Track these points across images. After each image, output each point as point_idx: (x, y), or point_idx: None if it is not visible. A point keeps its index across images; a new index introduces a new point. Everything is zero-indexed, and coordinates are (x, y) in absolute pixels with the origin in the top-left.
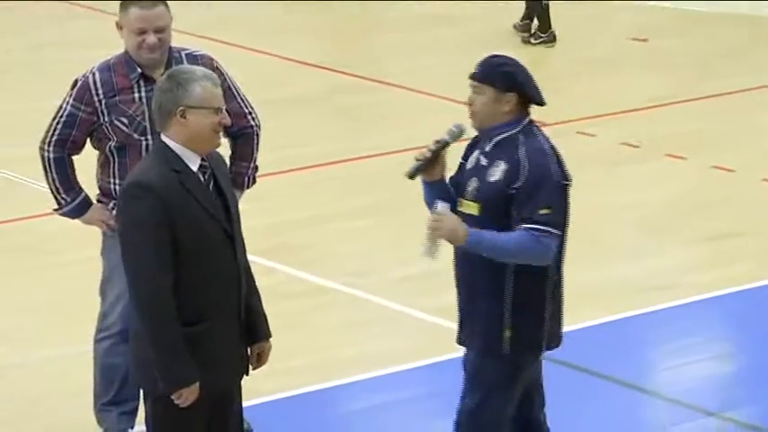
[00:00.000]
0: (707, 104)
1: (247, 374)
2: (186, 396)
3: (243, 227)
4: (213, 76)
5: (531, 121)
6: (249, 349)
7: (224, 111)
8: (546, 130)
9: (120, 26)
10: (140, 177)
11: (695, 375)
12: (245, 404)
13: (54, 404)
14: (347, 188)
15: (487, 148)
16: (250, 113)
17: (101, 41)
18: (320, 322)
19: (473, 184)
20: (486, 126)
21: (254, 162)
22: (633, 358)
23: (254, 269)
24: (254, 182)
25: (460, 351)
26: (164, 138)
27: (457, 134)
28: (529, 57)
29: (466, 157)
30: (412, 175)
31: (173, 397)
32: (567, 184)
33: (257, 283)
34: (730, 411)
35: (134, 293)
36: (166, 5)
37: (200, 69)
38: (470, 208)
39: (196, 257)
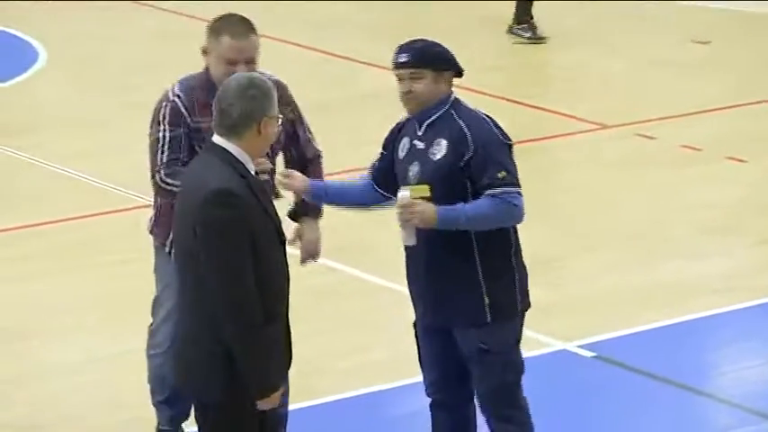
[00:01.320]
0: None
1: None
2: (272, 401)
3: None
4: (271, 75)
5: (455, 96)
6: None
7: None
8: (605, 133)
9: (206, 51)
10: (226, 185)
11: (754, 379)
12: (303, 405)
13: (119, 399)
14: None
15: (420, 132)
16: (314, 140)
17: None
18: (382, 322)
19: (414, 169)
20: (425, 105)
21: None
22: (692, 361)
23: (314, 268)
24: None
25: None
26: (223, 141)
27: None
28: (587, 59)
29: (390, 148)
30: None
31: (258, 402)
32: (510, 144)
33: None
34: None
35: (224, 298)
36: (257, 34)
37: (269, 75)
38: (419, 191)
39: (266, 260)
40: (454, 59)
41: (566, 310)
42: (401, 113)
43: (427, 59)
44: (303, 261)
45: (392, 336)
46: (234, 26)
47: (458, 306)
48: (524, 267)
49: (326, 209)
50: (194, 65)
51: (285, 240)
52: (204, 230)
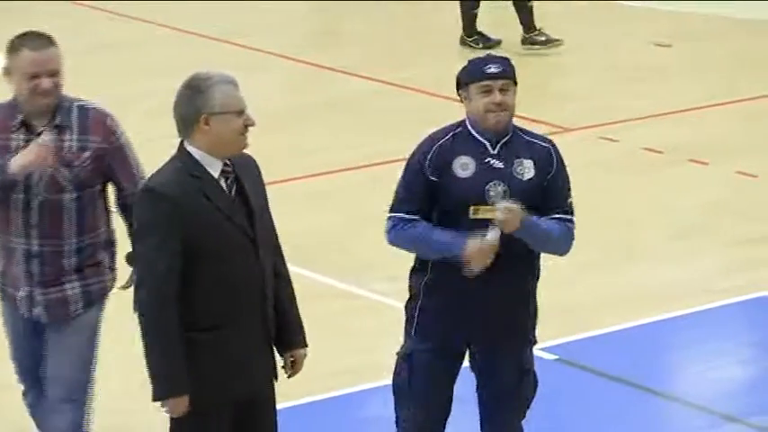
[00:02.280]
0: (730, 110)
1: (276, 380)
2: (173, 407)
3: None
4: (233, 78)
5: None
6: (282, 356)
7: (247, 113)
8: (568, 136)
9: (8, 72)
10: (154, 183)
11: (721, 381)
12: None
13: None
14: (383, 192)
15: (494, 150)
16: (143, 178)
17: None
18: (351, 327)
19: (498, 189)
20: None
21: None
22: (657, 364)
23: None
24: None
25: None
26: (186, 144)
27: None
28: (548, 63)
29: (439, 173)
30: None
31: (161, 406)
32: None
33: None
34: (755, 417)
35: (136, 296)
36: (58, 47)
37: (217, 73)
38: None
39: (213, 263)
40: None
41: None
42: None
43: (514, 73)
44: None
45: (365, 341)
46: (32, 40)
47: (520, 325)
48: None
49: (299, 211)
50: (161, 69)
51: (255, 241)
52: (134, 224)
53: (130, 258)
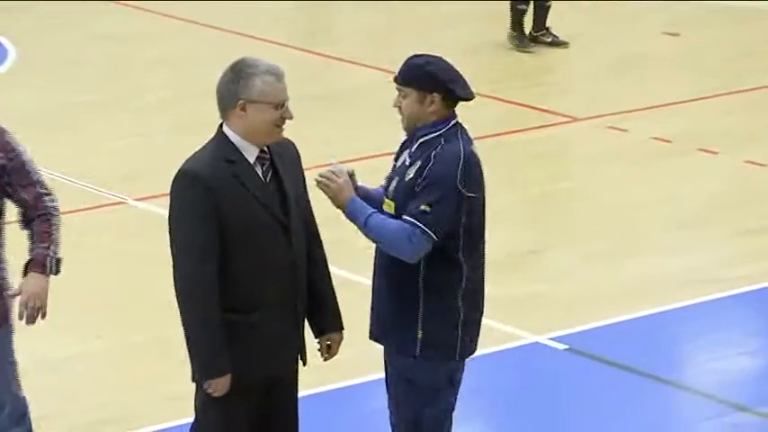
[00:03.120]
0: (739, 99)
1: (305, 364)
2: (216, 387)
3: None
4: (278, 70)
5: (458, 123)
6: (318, 340)
7: (287, 106)
8: (576, 126)
9: None
10: (190, 167)
11: (728, 370)
12: None
13: (91, 399)
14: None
15: (413, 149)
16: (48, 194)
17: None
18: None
19: (394, 183)
20: (411, 126)
21: (55, 245)
22: (665, 353)
23: None
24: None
25: (492, 348)
26: (224, 127)
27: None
28: (555, 53)
29: (397, 158)
30: None
31: (204, 386)
32: (467, 194)
33: None
34: (763, 406)
35: (176, 280)
36: None
37: (264, 62)
38: (388, 207)
39: (246, 247)
40: (447, 82)
41: (539, 304)
42: None
43: (410, 77)
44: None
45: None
46: None
47: (395, 330)
48: (479, 312)
49: None
50: (169, 64)
51: (288, 227)
52: (169, 206)
53: (25, 267)
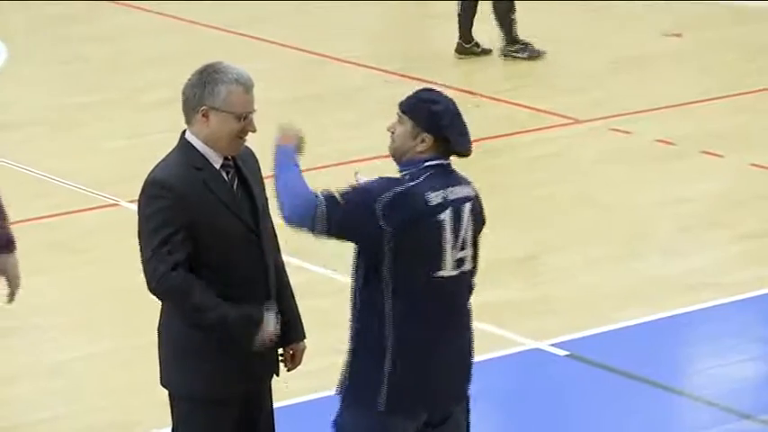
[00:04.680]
0: (744, 101)
1: (278, 375)
2: (266, 334)
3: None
4: (248, 80)
5: (439, 166)
6: (282, 349)
7: (251, 118)
8: (579, 128)
9: None
10: (160, 175)
11: (732, 377)
12: (277, 405)
13: (93, 402)
14: None
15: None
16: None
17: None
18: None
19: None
20: (397, 156)
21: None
22: (668, 359)
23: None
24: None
25: (491, 354)
26: (188, 133)
27: None
28: (558, 54)
29: None
30: None
31: (257, 343)
32: (385, 225)
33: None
34: (767, 414)
35: (156, 283)
36: None
37: (235, 70)
38: None
39: (218, 256)
40: (444, 128)
41: (539, 309)
42: None
43: (412, 109)
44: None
45: None
46: None
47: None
48: (411, 373)
49: None
50: (166, 63)
51: (259, 235)
52: (138, 217)
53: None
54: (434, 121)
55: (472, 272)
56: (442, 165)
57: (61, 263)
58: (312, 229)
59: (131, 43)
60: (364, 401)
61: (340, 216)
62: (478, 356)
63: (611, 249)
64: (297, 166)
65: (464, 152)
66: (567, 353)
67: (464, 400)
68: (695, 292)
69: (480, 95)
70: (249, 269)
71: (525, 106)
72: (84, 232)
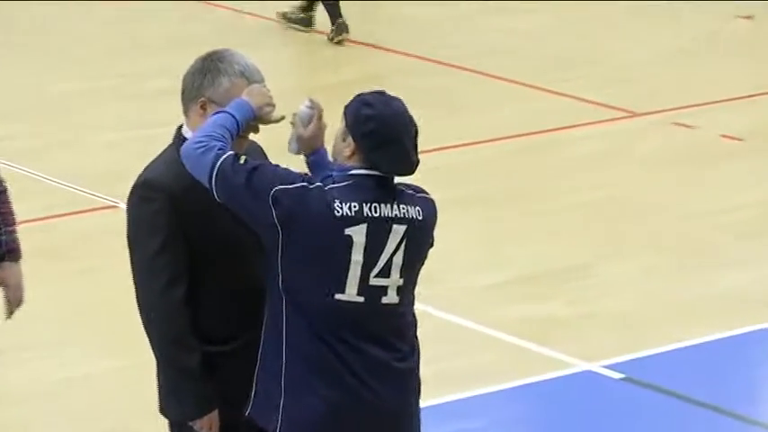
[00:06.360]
0: None
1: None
2: (205, 424)
3: None
4: (255, 74)
5: (373, 178)
6: None
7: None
8: (637, 122)
9: None
10: (149, 176)
11: None
12: None
13: (96, 425)
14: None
15: None
16: None
17: None
18: None
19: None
20: (333, 158)
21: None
22: (733, 383)
23: None
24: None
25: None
26: (184, 128)
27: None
28: (613, 37)
29: None
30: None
31: (194, 427)
32: (276, 211)
33: None
34: None
35: (142, 307)
36: None
37: (242, 61)
38: None
39: (219, 267)
40: (363, 136)
41: (589, 326)
42: None
43: (347, 107)
44: (11, 312)
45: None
46: None
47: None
48: (302, 418)
49: None
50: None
51: (246, 252)
52: (127, 223)
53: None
54: (357, 126)
55: (400, 306)
56: (372, 176)
57: (51, 273)
58: (209, 178)
59: (132, 24)
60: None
61: (241, 181)
62: (520, 379)
63: (668, 259)
64: (237, 121)
65: (387, 171)
66: (622, 375)
67: None
68: (762, 308)
69: (523, 84)
70: (252, 280)
71: (573, 96)
72: (78, 238)
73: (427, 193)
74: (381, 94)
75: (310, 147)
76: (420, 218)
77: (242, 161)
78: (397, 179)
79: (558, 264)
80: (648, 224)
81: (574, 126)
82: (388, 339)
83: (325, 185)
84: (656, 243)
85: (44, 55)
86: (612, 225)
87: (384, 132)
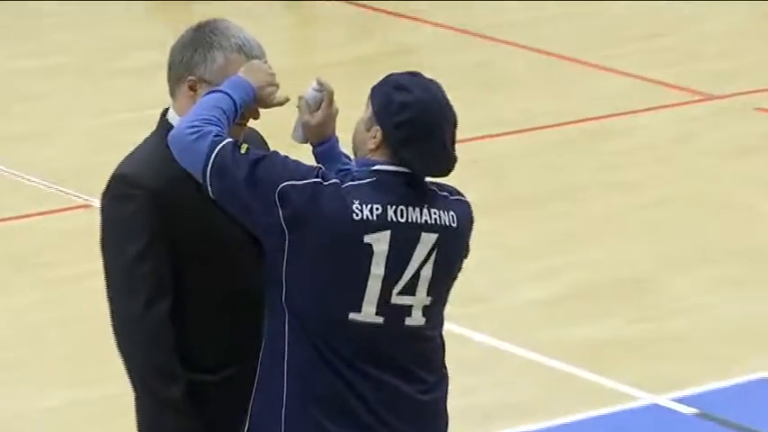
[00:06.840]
0: None
1: None
2: None
3: None
4: (253, 49)
5: (401, 176)
6: None
7: None
8: (713, 106)
9: None
10: (130, 169)
11: None
12: None
13: None
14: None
15: None
16: None
17: None
18: None
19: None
20: (354, 150)
21: None
22: None
23: None
24: None
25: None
26: (170, 112)
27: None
28: (681, 10)
29: None
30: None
31: None
32: (281, 208)
33: None
34: None
35: (118, 326)
36: None
37: (240, 34)
38: None
39: (212, 278)
40: (394, 122)
41: (657, 350)
42: None
43: (375, 91)
44: None
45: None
46: None
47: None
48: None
49: None
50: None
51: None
52: (101, 225)
53: None
54: (388, 114)
55: (427, 329)
56: (400, 174)
57: (11, 283)
58: (204, 169)
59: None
60: None
61: (242, 174)
62: (571, 414)
63: (751, 270)
64: (234, 102)
65: (418, 170)
66: (696, 411)
67: None
68: None
69: (574, 60)
70: (250, 290)
71: (635, 76)
72: (46, 242)
73: (462, 195)
74: (417, 75)
75: (318, 135)
76: (454, 225)
77: (243, 150)
78: (429, 178)
79: (617, 275)
80: (727, 227)
81: (633, 112)
82: (411, 368)
83: (343, 183)
84: (737, 250)
85: (12, 26)
86: (683, 228)
87: (421, 123)
